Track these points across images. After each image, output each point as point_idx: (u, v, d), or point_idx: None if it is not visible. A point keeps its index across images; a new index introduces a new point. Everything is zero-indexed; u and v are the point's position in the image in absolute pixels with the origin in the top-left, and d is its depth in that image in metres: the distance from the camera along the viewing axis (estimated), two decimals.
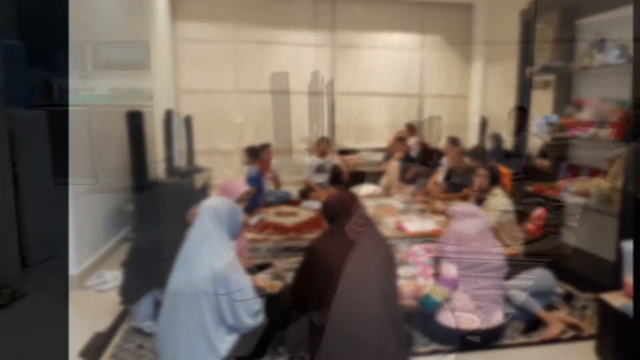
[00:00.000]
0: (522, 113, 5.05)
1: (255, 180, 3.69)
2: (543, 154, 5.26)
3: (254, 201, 3.51)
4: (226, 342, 1.75)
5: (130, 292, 2.32)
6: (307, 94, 5.38)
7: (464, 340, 2.20)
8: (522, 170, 5.11)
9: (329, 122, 5.34)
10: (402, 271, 2.98)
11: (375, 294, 1.70)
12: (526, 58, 5.60)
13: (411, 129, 5.07)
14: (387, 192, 4.33)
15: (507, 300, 2.57)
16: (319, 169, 4.39)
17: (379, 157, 5.37)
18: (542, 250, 3.48)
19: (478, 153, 4.84)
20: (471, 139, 5.52)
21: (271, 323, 1.98)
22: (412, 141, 5.03)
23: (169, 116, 3.35)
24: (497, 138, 5.21)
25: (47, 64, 6.56)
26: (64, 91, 6.45)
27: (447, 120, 5.73)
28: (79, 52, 3.32)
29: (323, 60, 5.62)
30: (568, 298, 2.61)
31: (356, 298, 1.70)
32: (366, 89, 5.82)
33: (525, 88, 5.72)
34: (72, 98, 6.02)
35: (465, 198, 4.49)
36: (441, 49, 5.97)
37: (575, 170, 4.74)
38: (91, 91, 6.47)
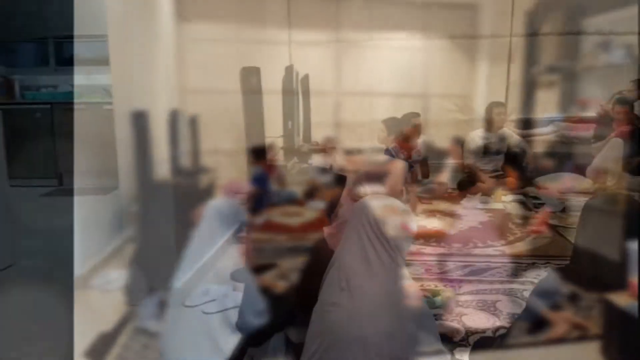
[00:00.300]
0: (501, 109, 5.05)
1: (260, 181, 3.63)
2: (547, 153, 5.31)
3: (259, 201, 3.46)
4: (231, 342, 1.75)
5: (135, 292, 2.38)
6: (320, 91, 5.53)
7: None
8: (501, 168, 5.13)
9: (304, 119, 5.22)
10: (407, 271, 2.94)
11: (374, 301, 1.59)
12: (531, 58, 5.68)
13: (417, 128, 5.02)
14: (392, 192, 4.25)
15: (497, 307, 2.57)
16: (324, 169, 4.33)
17: (383, 156, 5.24)
18: (528, 250, 3.46)
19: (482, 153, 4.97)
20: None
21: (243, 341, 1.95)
22: (418, 141, 4.99)
23: (173, 116, 3.25)
24: (501, 138, 5.20)
25: (6, 60, 6.25)
26: (25, 88, 6.18)
27: (451, 119, 5.78)
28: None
29: (328, 59, 5.68)
30: (573, 298, 2.59)
31: (347, 308, 1.59)
32: (370, 89, 5.80)
33: (530, 87, 5.83)
34: (35, 95, 5.76)
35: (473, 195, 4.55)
36: (445, 49, 5.97)
37: (579, 170, 4.82)
38: (55, 88, 6.20)
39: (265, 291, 2.13)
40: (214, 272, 1.88)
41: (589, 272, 1.52)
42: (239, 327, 1.87)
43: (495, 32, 5.86)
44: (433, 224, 3.99)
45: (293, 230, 3.38)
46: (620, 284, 1.48)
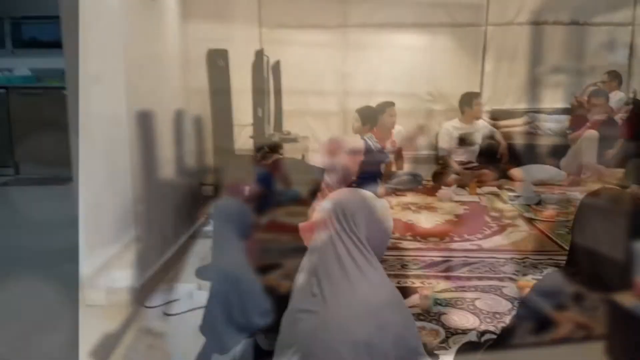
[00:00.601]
0: (478, 99, 4.95)
1: (264, 180, 3.48)
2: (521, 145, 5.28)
3: (264, 201, 3.32)
4: (236, 341, 1.71)
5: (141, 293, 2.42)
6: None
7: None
8: (476, 159, 5.05)
9: (276, 107, 5.02)
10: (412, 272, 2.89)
11: (350, 307, 1.43)
12: (536, 58, 5.74)
13: (422, 129, 4.91)
14: (348, 173, 4.16)
15: (476, 305, 2.48)
16: (329, 169, 4.17)
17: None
18: (505, 244, 3.37)
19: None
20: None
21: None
22: (421, 140, 4.89)
23: (179, 116, 3.10)
24: (476, 129, 5.13)
25: None
26: None
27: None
28: None
29: (331, 59, 5.73)
30: (577, 298, 2.50)
31: (321, 316, 1.43)
32: (375, 89, 5.70)
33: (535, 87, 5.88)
34: None
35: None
36: (451, 49, 5.93)
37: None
38: (10, 72, 5.88)
39: (270, 291, 2.05)
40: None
41: (590, 273, 1.41)
42: (244, 327, 1.77)
43: (506, 33, 5.86)
44: (431, 220, 3.90)
45: (298, 230, 3.28)
46: (624, 285, 1.38)
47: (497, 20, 5.84)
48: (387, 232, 1.60)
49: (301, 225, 2.06)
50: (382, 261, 1.71)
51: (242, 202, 2.08)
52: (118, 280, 2.58)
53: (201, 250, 3.20)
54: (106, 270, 2.60)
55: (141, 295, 2.55)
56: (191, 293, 2.52)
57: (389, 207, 1.68)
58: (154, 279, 2.69)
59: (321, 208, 1.60)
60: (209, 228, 3.40)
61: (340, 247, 1.47)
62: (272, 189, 3.62)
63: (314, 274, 1.48)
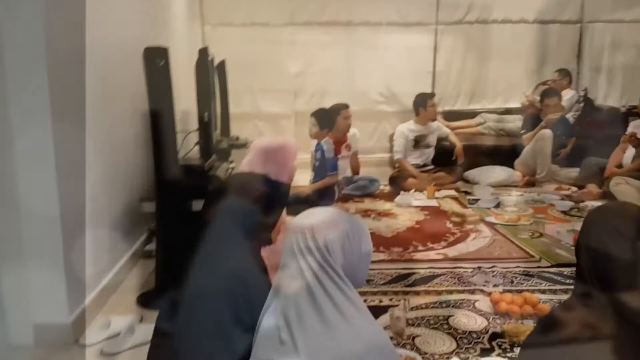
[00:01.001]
0: (432, 100, 4.82)
1: (271, 180, 3.19)
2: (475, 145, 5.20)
3: (270, 201, 3.04)
4: (243, 342, 1.54)
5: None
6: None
7: None
8: (432, 162, 4.91)
9: (222, 110, 4.70)
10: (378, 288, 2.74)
11: (326, 356, 1.18)
12: (540, 59, 5.79)
13: (347, 121, 4.65)
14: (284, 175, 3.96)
15: (450, 324, 2.30)
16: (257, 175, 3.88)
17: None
18: (470, 252, 3.21)
19: None
20: None
21: None
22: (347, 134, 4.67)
23: (184, 116, 2.82)
24: (431, 130, 5.00)
25: None
26: None
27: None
28: None
29: (279, 58, 5.68)
30: (584, 298, 2.37)
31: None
32: (326, 89, 5.65)
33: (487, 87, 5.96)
34: None
35: None
36: (456, 50, 5.90)
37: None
38: None
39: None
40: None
41: (604, 292, 1.28)
42: (250, 326, 1.54)
43: (511, 33, 5.88)
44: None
45: None
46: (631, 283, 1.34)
47: (447, 19, 5.77)
48: (367, 258, 1.35)
49: (264, 252, 1.78)
50: None
51: (248, 203, 1.90)
52: (46, 314, 2.22)
53: (143, 274, 2.86)
54: (32, 303, 2.23)
55: (74, 331, 2.20)
56: (132, 327, 2.20)
57: (366, 228, 1.41)
58: (89, 311, 2.34)
59: (288, 233, 1.32)
60: (150, 247, 3.06)
61: (313, 282, 1.21)
62: (279, 189, 3.40)
63: (281, 316, 1.21)
